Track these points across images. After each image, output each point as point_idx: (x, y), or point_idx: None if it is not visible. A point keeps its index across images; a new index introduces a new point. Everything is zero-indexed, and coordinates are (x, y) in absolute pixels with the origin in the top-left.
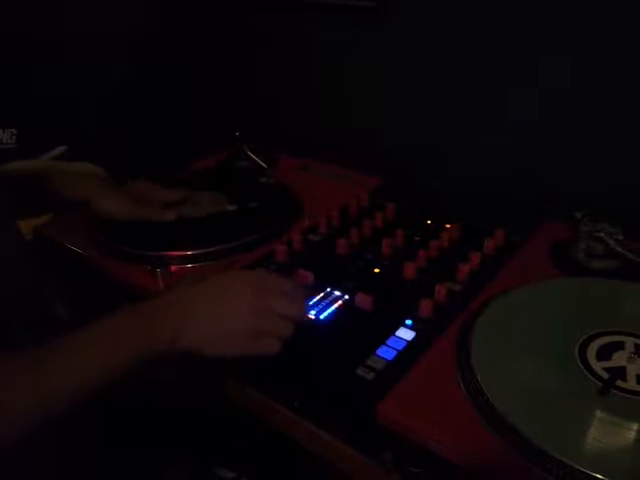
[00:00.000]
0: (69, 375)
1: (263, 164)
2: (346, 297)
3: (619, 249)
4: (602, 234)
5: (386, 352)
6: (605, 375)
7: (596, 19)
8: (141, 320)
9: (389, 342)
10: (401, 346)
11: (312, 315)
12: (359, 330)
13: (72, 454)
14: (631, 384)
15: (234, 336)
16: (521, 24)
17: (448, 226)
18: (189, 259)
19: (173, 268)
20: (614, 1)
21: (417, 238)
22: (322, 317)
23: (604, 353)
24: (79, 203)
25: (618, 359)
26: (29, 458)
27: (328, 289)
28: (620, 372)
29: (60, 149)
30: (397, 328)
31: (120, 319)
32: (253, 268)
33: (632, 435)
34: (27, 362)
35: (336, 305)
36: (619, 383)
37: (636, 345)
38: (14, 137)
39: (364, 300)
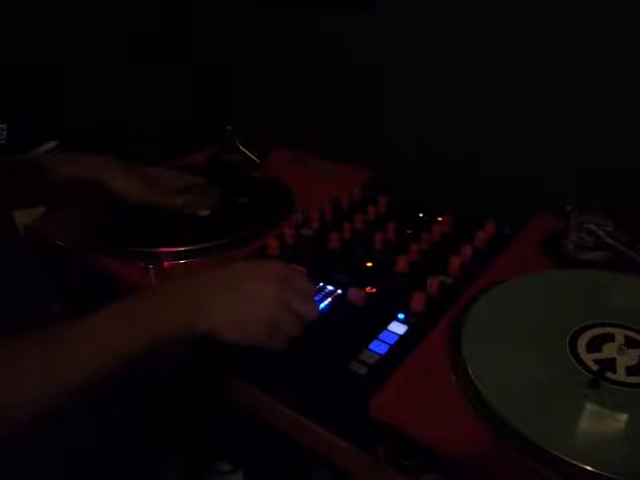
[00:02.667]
0: (84, 357)
1: (255, 158)
2: (338, 292)
3: (609, 240)
4: (592, 226)
5: (379, 346)
6: (595, 367)
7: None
8: (161, 301)
9: (382, 336)
10: (393, 340)
11: None
12: (352, 324)
13: (69, 446)
14: (621, 376)
15: (254, 325)
16: (523, 26)
17: (440, 219)
18: (181, 255)
19: (165, 264)
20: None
21: (409, 231)
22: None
23: (594, 345)
24: (81, 184)
25: (608, 351)
26: (24, 452)
27: (320, 284)
28: (610, 364)
29: (50, 144)
30: (389, 322)
31: (139, 300)
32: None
33: (621, 426)
34: (40, 344)
35: (328, 300)
36: (609, 375)
37: (626, 337)
38: (4, 133)
39: (356, 294)
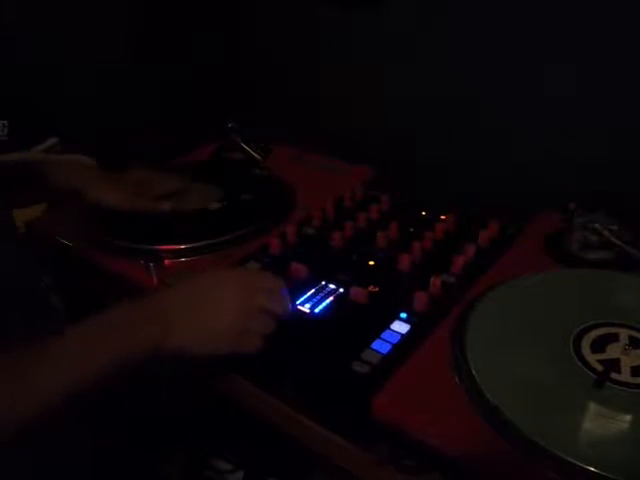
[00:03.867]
0: (47, 380)
1: (256, 155)
2: (341, 290)
3: (613, 240)
4: (596, 225)
5: (381, 346)
6: (599, 367)
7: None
8: (130, 322)
9: (384, 335)
10: (396, 339)
11: (307, 309)
12: (354, 323)
13: (69, 443)
14: (625, 376)
15: (221, 335)
16: (526, 29)
17: (443, 217)
18: (182, 253)
19: (166, 262)
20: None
21: (411, 230)
22: (317, 311)
23: (598, 345)
24: (71, 193)
25: (612, 351)
26: (23, 450)
27: (323, 282)
28: (614, 364)
29: (52, 141)
30: (392, 321)
31: (104, 321)
32: (247, 261)
33: (626, 427)
34: (6, 364)
35: (331, 299)
36: (613, 375)
37: (630, 337)
38: (5, 129)
39: (359, 293)
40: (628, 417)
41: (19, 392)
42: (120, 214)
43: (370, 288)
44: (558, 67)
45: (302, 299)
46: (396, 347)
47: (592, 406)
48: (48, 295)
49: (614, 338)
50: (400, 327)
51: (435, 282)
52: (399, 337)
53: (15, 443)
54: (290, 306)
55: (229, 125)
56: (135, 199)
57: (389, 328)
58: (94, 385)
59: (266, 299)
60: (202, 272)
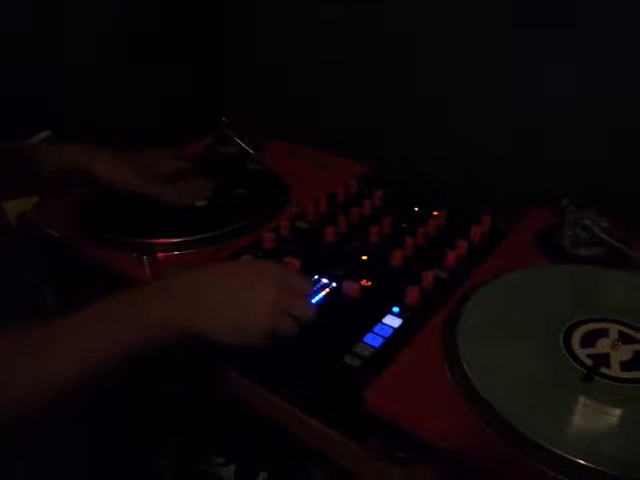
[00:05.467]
0: (75, 356)
1: (250, 150)
2: (333, 285)
3: (604, 236)
4: (587, 221)
5: (373, 339)
6: (589, 362)
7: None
8: (155, 300)
9: (376, 329)
10: (388, 333)
11: None
12: (346, 317)
13: (62, 437)
14: (615, 371)
15: (251, 329)
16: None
17: (435, 213)
18: (176, 246)
19: (160, 255)
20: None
21: (404, 225)
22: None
23: (588, 340)
24: (67, 173)
25: (602, 346)
26: (17, 439)
27: (316, 276)
28: (604, 359)
29: (44, 134)
30: (384, 315)
31: (131, 298)
32: (240, 255)
33: (615, 421)
34: (26, 341)
35: (323, 293)
36: (603, 370)
37: (620, 332)
38: None
39: (351, 287)
40: (617, 411)
41: (45, 367)
42: (113, 206)
43: (363, 282)
44: (558, 67)
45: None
46: (388, 341)
47: (582, 400)
48: (41, 289)
49: (604, 333)
50: (392, 321)
51: (427, 277)
52: (391, 331)
53: (16, 429)
54: (314, 313)
55: (223, 119)
56: (143, 182)
57: (381, 322)
58: (128, 360)
59: (295, 302)
60: (238, 260)
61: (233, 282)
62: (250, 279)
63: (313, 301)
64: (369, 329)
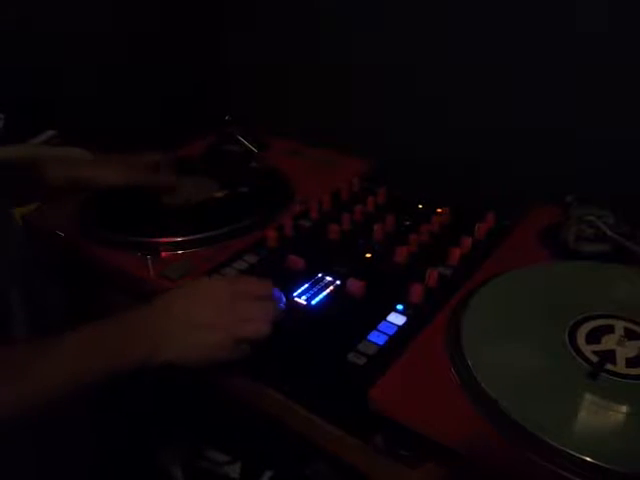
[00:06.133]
0: (42, 380)
1: (253, 148)
2: (337, 282)
3: (609, 233)
4: (593, 218)
5: (377, 337)
6: (595, 358)
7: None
8: (121, 334)
9: (380, 327)
10: (392, 331)
11: (304, 301)
12: (350, 315)
13: (66, 432)
14: (620, 367)
15: (213, 346)
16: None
17: (439, 210)
18: (179, 245)
19: (163, 255)
20: None
21: (407, 222)
22: (313, 303)
23: (594, 336)
24: (68, 186)
25: (608, 342)
26: (21, 434)
27: (319, 275)
28: (610, 355)
29: (49, 133)
30: (388, 313)
31: (97, 332)
32: (244, 254)
33: (621, 418)
34: (10, 360)
35: (327, 291)
36: (609, 366)
37: (625, 328)
38: (2, 122)
39: (355, 285)
40: (623, 408)
41: (21, 385)
42: (117, 206)
43: (366, 280)
44: (558, 70)
45: (299, 291)
46: (392, 339)
47: (587, 397)
48: (46, 289)
49: (609, 330)
50: (396, 319)
51: (431, 274)
52: (395, 329)
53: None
54: (282, 305)
55: (226, 118)
56: (140, 174)
57: (385, 320)
58: (88, 385)
59: (253, 305)
60: (187, 283)
61: (188, 306)
62: (201, 300)
63: (317, 299)
64: (373, 327)
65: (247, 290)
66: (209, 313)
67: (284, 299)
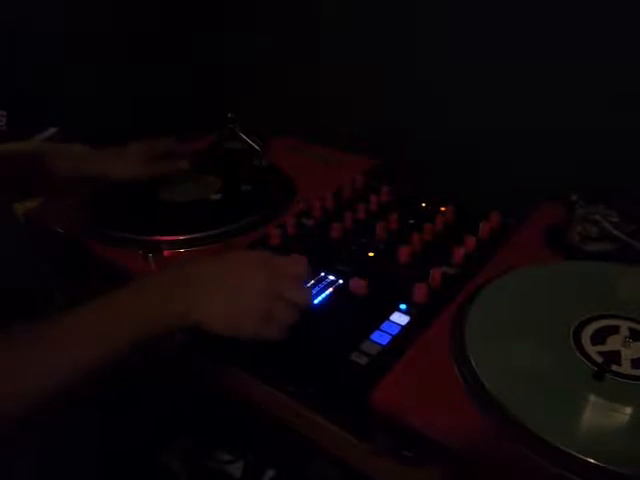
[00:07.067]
0: (77, 351)
1: (256, 146)
2: (340, 282)
3: (614, 232)
4: (597, 216)
5: (380, 337)
6: (600, 359)
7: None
8: (150, 294)
9: (383, 327)
10: (395, 331)
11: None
12: (353, 315)
13: (68, 436)
14: (626, 368)
15: (245, 316)
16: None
17: (443, 209)
18: (182, 244)
19: (165, 253)
20: None
21: (411, 221)
22: (316, 302)
23: (599, 337)
24: (76, 178)
25: (613, 343)
26: (22, 438)
27: (322, 273)
28: (615, 356)
29: (51, 131)
30: (391, 313)
31: (129, 293)
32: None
33: (626, 419)
34: (32, 337)
35: (330, 290)
36: (614, 367)
37: (631, 329)
38: (4, 119)
39: (358, 284)
40: (628, 409)
41: (49, 361)
42: (119, 204)
43: (369, 279)
44: (560, 68)
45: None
46: (395, 338)
47: (592, 398)
48: (48, 286)
49: (614, 330)
50: (400, 318)
51: (435, 274)
52: (398, 328)
53: (23, 427)
54: (311, 299)
55: (229, 115)
56: (153, 165)
57: (388, 319)
58: (113, 358)
59: (290, 287)
60: (231, 251)
61: (224, 273)
62: (238, 268)
63: (319, 298)
64: (376, 327)
65: (286, 269)
66: (252, 280)
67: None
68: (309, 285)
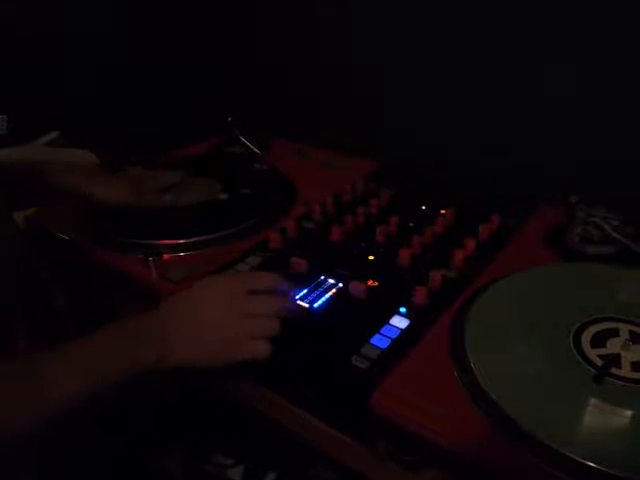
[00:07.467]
0: (55, 387)
1: (256, 150)
2: (340, 285)
3: (615, 234)
4: (597, 219)
5: (380, 341)
6: (599, 362)
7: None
8: (126, 342)
9: (383, 330)
10: (395, 334)
11: (306, 304)
12: (353, 318)
13: (67, 440)
14: (625, 371)
15: (219, 346)
16: (525, 28)
17: (443, 212)
18: (182, 248)
19: (165, 257)
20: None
21: (411, 224)
22: (316, 306)
23: (599, 340)
24: (73, 195)
25: (613, 346)
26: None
27: (322, 277)
28: (615, 359)
29: (53, 134)
30: (391, 316)
31: (105, 339)
32: (247, 256)
33: (626, 423)
34: (22, 369)
35: (330, 293)
36: (613, 370)
37: (631, 332)
38: (5, 123)
39: (358, 288)
40: (628, 412)
41: (32, 396)
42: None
43: (369, 283)
44: (558, 67)
45: (301, 294)
46: (395, 342)
47: (592, 401)
48: (49, 291)
49: (614, 333)
50: (399, 322)
51: (435, 277)
52: (398, 332)
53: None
54: (292, 300)
55: (229, 119)
56: (138, 196)
57: (388, 323)
58: (102, 392)
59: (253, 303)
60: (193, 284)
61: (191, 310)
62: (203, 302)
63: (319, 302)
64: (376, 330)
65: (251, 284)
66: (214, 312)
67: (293, 293)
68: (303, 292)
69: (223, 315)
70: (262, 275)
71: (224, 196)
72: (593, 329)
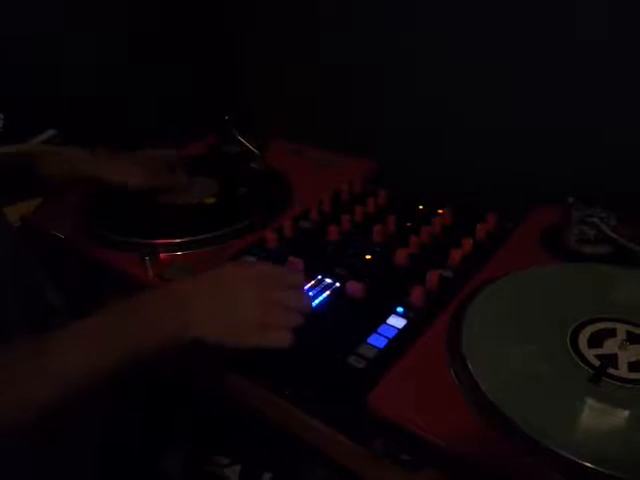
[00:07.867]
0: (74, 363)
1: (254, 149)
2: (337, 285)
3: (612, 234)
4: (595, 219)
5: (377, 340)
6: (597, 362)
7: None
8: (146, 314)
9: (380, 330)
10: (392, 334)
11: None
12: (350, 318)
13: (69, 439)
14: (623, 372)
15: (243, 326)
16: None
17: (440, 211)
18: (178, 247)
19: (162, 256)
20: None
21: (408, 224)
22: (313, 305)
23: (596, 340)
24: (77, 179)
25: (610, 346)
26: (24, 446)
27: (319, 277)
28: (612, 359)
29: (50, 133)
30: (388, 316)
31: (124, 313)
32: (243, 255)
33: (623, 423)
34: (33, 347)
35: (327, 293)
36: (610, 371)
37: (628, 332)
38: (1, 121)
39: (355, 287)
40: (625, 413)
41: (50, 371)
42: (115, 207)
43: (366, 282)
44: (556, 67)
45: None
46: (392, 342)
47: (589, 401)
48: (45, 290)
49: (611, 333)
50: (396, 321)
51: (432, 276)
52: (395, 332)
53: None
54: (311, 301)
55: (226, 118)
56: (155, 176)
57: (385, 323)
58: (111, 373)
59: (283, 294)
60: (222, 266)
61: (218, 285)
62: (233, 281)
63: (316, 301)
64: (373, 330)
65: (283, 279)
66: (246, 292)
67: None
68: (307, 289)
69: (257, 297)
70: (292, 271)
71: (210, 200)
72: (590, 329)
